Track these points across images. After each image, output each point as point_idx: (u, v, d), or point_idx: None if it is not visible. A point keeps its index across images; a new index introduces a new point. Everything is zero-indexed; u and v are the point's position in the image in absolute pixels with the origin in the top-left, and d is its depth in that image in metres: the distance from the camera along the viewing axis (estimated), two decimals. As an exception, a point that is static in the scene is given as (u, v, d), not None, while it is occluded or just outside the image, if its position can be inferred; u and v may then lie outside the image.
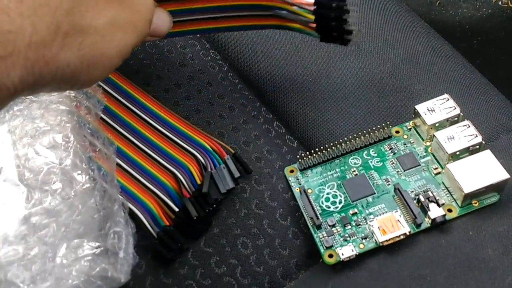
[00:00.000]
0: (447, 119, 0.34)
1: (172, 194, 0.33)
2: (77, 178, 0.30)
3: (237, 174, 0.34)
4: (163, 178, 0.33)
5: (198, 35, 0.42)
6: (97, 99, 0.34)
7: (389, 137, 0.35)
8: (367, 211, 0.33)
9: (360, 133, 0.35)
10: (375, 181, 0.34)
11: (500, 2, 0.84)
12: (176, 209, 0.32)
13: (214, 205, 0.34)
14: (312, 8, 0.31)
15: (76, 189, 0.29)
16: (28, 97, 0.32)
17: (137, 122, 0.36)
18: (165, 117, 0.37)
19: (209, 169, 0.34)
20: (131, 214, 0.32)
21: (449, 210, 0.32)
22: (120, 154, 0.34)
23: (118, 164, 0.33)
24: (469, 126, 0.33)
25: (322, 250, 0.32)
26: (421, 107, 0.34)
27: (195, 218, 0.32)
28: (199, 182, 0.33)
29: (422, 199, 0.32)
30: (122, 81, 0.38)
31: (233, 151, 0.35)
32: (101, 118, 0.35)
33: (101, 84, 0.37)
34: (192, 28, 0.35)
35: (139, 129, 0.36)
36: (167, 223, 0.32)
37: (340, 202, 0.33)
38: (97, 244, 0.29)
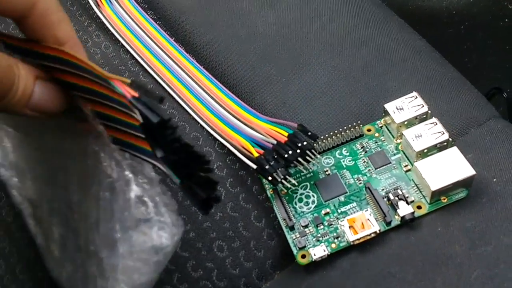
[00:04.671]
0: (416, 117, 0.34)
1: None
2: None
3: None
4: None
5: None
6: None
7: (361, 135, 0.36)
8: (339, 211, 0.33)
9: (332, 133, 0.36)
10: (347, 180, 0.34)
11: (486, -14, 0.83)
12: None
13: None
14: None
15: None
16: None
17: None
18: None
19: None
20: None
21: (419, 207, 0.32)
22: None
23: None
24: (437, 124, 0.33)
25: (295, 251, 0.32)
26: (390, 106, 0.35)
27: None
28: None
29: (391, 197, 0.32)
30: None
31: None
32: None
33: None
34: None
35: None
36: None
37: (313, 203, 0.34)
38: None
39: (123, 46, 0.43)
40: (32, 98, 0.26)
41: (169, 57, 0.41)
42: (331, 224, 0.33)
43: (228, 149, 0.36)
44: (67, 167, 0.29)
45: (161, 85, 0.41)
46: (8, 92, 0.25)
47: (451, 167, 0.31)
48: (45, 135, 0.30)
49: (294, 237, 0.33)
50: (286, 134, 0.34)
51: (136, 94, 0.24)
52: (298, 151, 0.33)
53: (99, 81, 0.26)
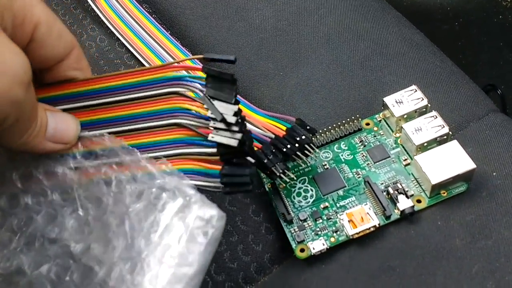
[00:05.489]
0: (415, 111, 0.34)
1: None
2: None
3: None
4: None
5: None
6: None
7: (360, 129, 0.36)
8: (338, 205, 0.33)
9: (330, 127, 0.35)
10: (346, 174, 0.34)
11: (480, -17, 0.83)
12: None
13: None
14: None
15: None
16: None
17: None
18: None
19: None
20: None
21: (419, 201, 0.32)
22: None
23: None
24: (436, 117, 0.33)
25: (294, 245, 0.32)
26: (389, 99, 0.34)
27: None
28: None
29: (391, 191, 0.32)
30: None
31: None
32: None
33: None
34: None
35: None
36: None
37: (311, 197, 0.34)
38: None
39: (118, 39, 0.42)
40: (48, 128, 0.27)
41: (165, 51, 0.41)
42: (330, 218, 0.33)
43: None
44: None
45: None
46: (31, 126, 0.26)
47: (451, 161, 0.31)
48: None
49: (293, 231, 0.32)
50: (284, 128, 0.33)
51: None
52: (297, 145, 0.32)
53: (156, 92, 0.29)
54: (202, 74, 0.28)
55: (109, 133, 0.29)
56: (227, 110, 0.27)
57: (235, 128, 0.27)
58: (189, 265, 0.26)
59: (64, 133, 0.28)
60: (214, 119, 0.27)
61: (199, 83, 0.28)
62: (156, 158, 0.29)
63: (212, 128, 0.27)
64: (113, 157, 0.29)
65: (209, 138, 0.27)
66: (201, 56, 0.28)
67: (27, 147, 0.26)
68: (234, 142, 0.27)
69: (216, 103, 0.27)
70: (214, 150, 0.28)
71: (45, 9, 0.26)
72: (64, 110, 0.30)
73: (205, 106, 0.28)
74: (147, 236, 0.27)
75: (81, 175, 0.28)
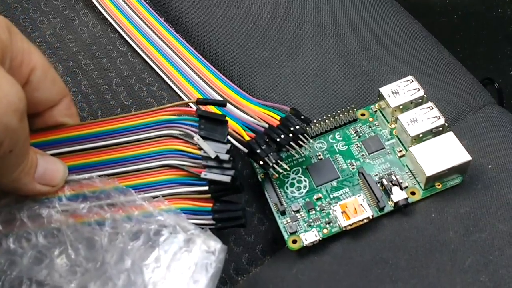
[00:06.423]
0: (411, 101, 0.33)
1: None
2: None
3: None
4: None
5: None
6: None
7: (355, 120, 0.35)
8: (331, 196, 0.33)
9: (325, 117, 0.35)
10: (340, 165, 0.34)
11: (480, -25, 0.83)
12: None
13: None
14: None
15: None
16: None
17: None
18: None
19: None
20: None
21: (413, 193, 0.32)
22: None
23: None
24: (432, 108, 0.32)
25: (286, 236, 0.31)
26: (385, 90, 0.34)
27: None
28: None
29: (385, 182, 0.32)
30: None
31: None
32: None
33: None
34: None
35: None
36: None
37: (305, 187, 0.33)
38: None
39: (111, 25, 0.41)
40: (38, 169, 0.28)
41: (158, 37, 0.40)
42: (323, 209, 0.32)
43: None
44: None
45: (150, 65, 0.39)
46: (23, 160, 0.26)
47: (446, 153, 0.31)
48: None
49: (285, 222, 0.32)
50: (278, 117, 0.33)
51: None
52: (290, 135, 0.32)
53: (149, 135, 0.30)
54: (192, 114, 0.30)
55: (100, 175, 0.30)
56: (220, 149, 0.29)
57: (227, 165, 0.29)
58: None
59: (53, 175, 0.29)
60: (207, 158, 0.29)
61: (191, 125, 0.30)
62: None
63: (204, 167, 0.29)
64: (105, 198, 0.29)
65: (202, 175, 0.29)
66: (193, 100, 0.31)
67: (17, 184, 0.27)
68: (227, 179, 0.28)
69: (209, 143, 0.29)
70: (205, 188, 0.29)
71: (42, 56, 0.28)
72: (55, 154, 0.30)
73: (197, 146, 0.29)
74: (150, 272, 0.27)
75: (68, 217, 0.29)
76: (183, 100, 0.37)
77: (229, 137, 0.31)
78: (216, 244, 0.28)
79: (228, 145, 0.29)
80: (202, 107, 0.33)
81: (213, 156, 0.29)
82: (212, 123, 0.29)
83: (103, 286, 0.27)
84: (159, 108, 0.30)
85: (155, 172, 0.30)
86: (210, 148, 0.29)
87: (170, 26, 0.41)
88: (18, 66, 0.27)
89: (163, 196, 0.29)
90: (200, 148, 0.29)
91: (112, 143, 0.31)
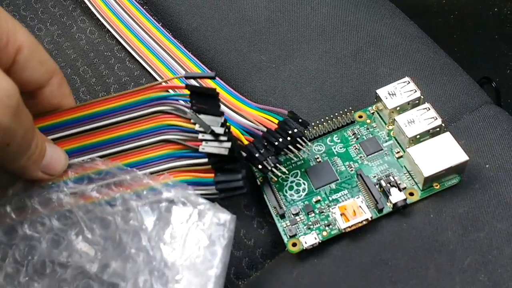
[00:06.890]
0: (408, 102, 0.33)
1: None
2: None
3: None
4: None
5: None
6: None
7: (352, 122, 0.35)
8: (330, 198, 0.33)
9: (323, 119, 0.35)
10: (338, 168, 0.34)
11: (476, -25, 0.83)
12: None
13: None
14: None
15: None
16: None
17: None
18: None
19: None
20: None
21: (411, 194, 0.32)
22: None
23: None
24: (429, 109, 0.33)
25: (286, 239, 0.32)
26: (382, 91, 0.34)
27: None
28: None
29: (383, 184, 0.32)
30: None
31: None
32: None
33: None
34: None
35: None
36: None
37: (303, 190, 0.33)
38: None
39: (109, 31, 0.42)
40: (45, 158, 0.28)
41: (156, 43, 0.40)
42: (322, 212, 0.32)
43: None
44: None
45: (148, 71, 0.40)
46: (27, 150, 0.27)
47: (444, 153, 0.31)
48: None
49: (285, 225, 0.32)
50: (276, 121, 0.33)
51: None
52: (289, 138, 0.32)
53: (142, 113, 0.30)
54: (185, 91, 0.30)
55: (100, 156, 0.31)
56: (213, 122, 0.29)
57: (223, 138, 0.29)
58: (215, 267, 0.28)
59: (55, 164, 0.29)
60: (202, 132, 0.29)
61: (183, 100, 0.30)
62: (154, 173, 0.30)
63: (200, 141, 0.29)
64: (111, 178, 0.30)
65: (200, 149, 0.29)
66: (182, 75, 0.31)
67: (25, 170, 0.28)
68: (224, 151, 0.29)
69: (203, 116, 0.29)
70: (204, 160, 0.29)
71: (28, 35, 0.28)
72: (53, 139, 0.31)
73: (192, 120, 0.29)
74: (168, 247, 0.28)
75: (78, 198, 0.29)
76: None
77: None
78: (226, 216, 0.29)
79: (222, 118, 0.29)
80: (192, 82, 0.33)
81: (208, 131, 0.29)
82: (203, 97, 0.30)
83: (124, 263, 0.28)
84: (149, 85, 0.30)
85: (153, 148, 0.31)
86: (205, 123, 0.29)
87: (168, 32, 0.41)
88: (4, 46, 0.26)
89: (164, 170, 0.30)
90: (194, 123, 0.29)
91: (107, 123, 0.31)
